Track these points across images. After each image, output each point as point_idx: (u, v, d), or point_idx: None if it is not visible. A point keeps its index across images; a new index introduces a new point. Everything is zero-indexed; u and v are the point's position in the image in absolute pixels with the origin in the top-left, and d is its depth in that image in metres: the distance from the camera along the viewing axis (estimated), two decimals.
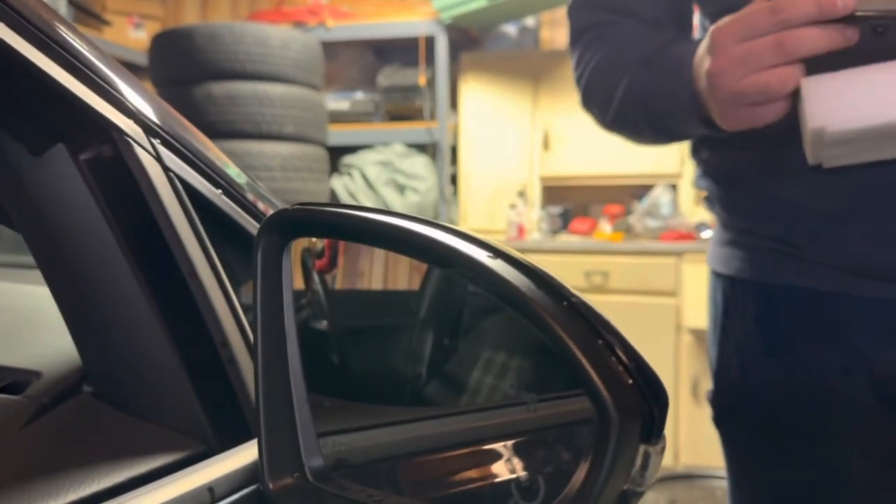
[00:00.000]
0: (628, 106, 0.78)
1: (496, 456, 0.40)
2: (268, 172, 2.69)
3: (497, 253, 0.32)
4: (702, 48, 0.67)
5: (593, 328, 0.29)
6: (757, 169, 0.74)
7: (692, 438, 2.81)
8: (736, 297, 0.79)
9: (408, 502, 0.38)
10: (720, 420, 0.82)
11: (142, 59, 3.02)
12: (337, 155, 3.21)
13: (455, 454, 0.39)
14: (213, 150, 0.60)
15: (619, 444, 0.26)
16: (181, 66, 2.70)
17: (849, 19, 0.58)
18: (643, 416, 0.27)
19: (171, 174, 0.51)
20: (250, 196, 0.61)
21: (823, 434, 0.75)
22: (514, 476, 0.39)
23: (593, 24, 0.82)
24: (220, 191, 0.57)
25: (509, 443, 0.37)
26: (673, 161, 3.03)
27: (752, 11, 0.61)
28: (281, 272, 0.41)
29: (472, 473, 0.40)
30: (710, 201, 0.84)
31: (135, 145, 0.49)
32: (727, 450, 0.83)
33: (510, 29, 3.38)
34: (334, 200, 3.11)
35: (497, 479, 0.37)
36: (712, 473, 2.57)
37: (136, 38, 3.34)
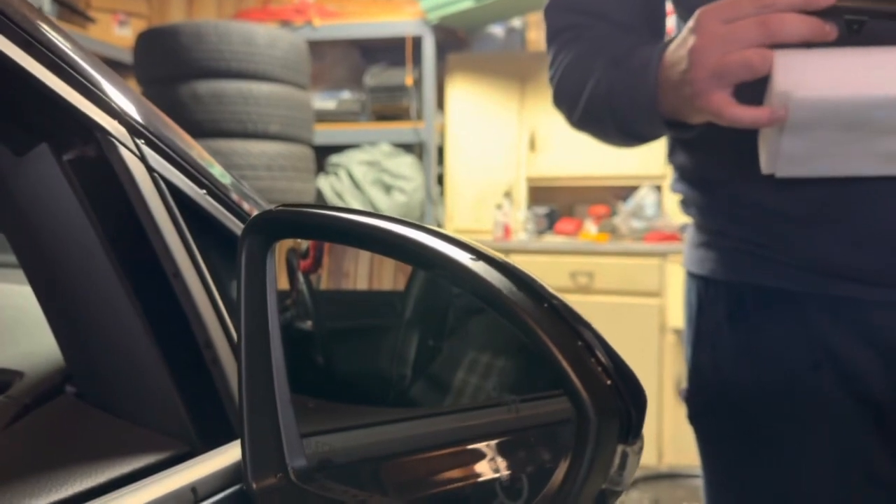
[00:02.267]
0: (595, 105, 0.79)
1: (480, 456, 0.40)
2: (253, 171, 2.69)
3: (479, 255, 0.33)
4: (683, 33, 0.68)
5: (573, 330, 0.29)
6: (729, 173, 0.75)
7: (676, 438, 2.83)
8: (709, 298, 0.80)
9: (391, 502, 0.39)
10: (695, 417, 0.84)
11: (127, 58, 3.00)
12: (323, 154, 3.20)
13: (439, 454, 0.40)
14: (197, 150, 0.60)
15: (598, 445, 0.26)
16: (166, 64, 2.68)
17: (829, 14, 0.60)
18: (621, 416, 0.27)
19: (156, 174, 0.51)
20: (235, 196, 0.61)
21: (793, 431, 0.76)
22: (497, 475, 0.39)
23: (569, 25, 0.84)
24: (204, 191, 0.56)
25: (493, 443, 0.37)
26: (658, 162, 3.05)
27: None
28: (265, 273, 0.41)
29: (456, 473, 0.40)
30: (685, 204, 0.85)
31: (119, 145, 0.49)
32: (701, 446, 0.85)
33: (497, 30, 3.38)
34: (320, 200, 3.11)
35: (481, 479, 0.37)
36: (696, 473, 2.59)
37: (122, 35, 3.32)
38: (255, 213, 0.53)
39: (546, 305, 0.30)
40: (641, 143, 0.82)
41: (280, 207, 0.40)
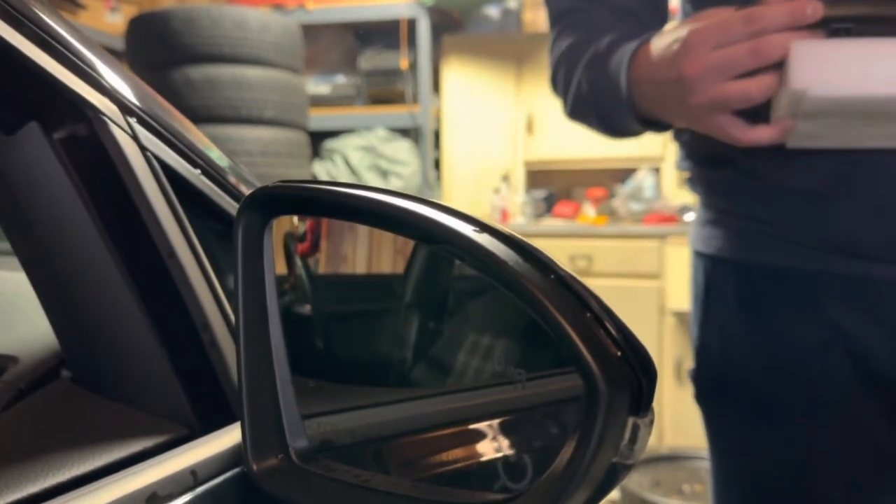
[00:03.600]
0: (579, 102, 0.80)
1: (483, 435, 0.39)
2: (248, 157, 2.67)
3: (483, 227, 0.32)
4: (669, 40, 0.67)
5: (581, 301, 0.28)
6: (735, 148, 0.75)
7: (676, 420, 2.84)
8: (717, 277, 0.79)
9: (394, 481, 0.38)
10: (701, 397, 0.83)
11: (118, 44, 2.96)
12: (319, 140, 3.18)
13: (442, 434, 0.39)
14: (193, 133, 0.58)
15: (608, 417, 0.26)
16: (158, 50, 2.66)
17: (817, 23, 0.60)
18: (632, 388, 0.27)
19: (148, 153, 0.50)
20: (232, 178, 0.60)
21: (801, 410, 0.76)
22: (500, 455, 0.39)
23: (568, 9, 0.83)
24: (198, 171, 0.55)
25: (496, 422, 0.36)
26: (656, 144, 3.04)
27: (726, 19, 0.62)
28: (262, 251, 0.40)
29: (459, 453, 0.40)
30: (692, 182, 0.84)
31: (110, 123, 0.48)
32: (708, 426, 0.84)
33: (493, 11, 3.36)
34: None
35: (484, 459, 0.36)
36: (696, 454, 2.60)
37: (113, 22, 3.29)
38: None
39: (553, 276, 0.29)
40: (628, 137, 0.82)
41: (277, 183, 0.39)
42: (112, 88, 0.49)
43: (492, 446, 0.37)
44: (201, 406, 0.49)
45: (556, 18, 0.85)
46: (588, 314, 0.28)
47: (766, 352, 0.76)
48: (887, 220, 0.69)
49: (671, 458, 2.62)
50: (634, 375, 0.27)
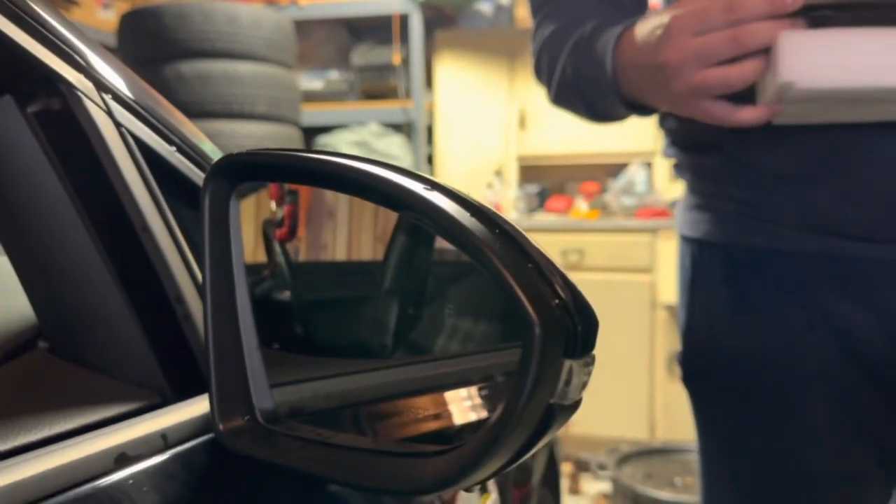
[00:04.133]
0: (564, 87, 0.81)
1: (441, 402, 0.41)
2: None
3: (433, 185, 0.33)
4: (652, 25, 0.68)
5: (523, 253, 0.30)
6: (721, 133, 0.76)
7: (668, 413, 2.85)
8: (703, 260, 0.80)
9: (354, 438, 0.39)
10: (689, 379, 0.84)
11: (111, 41, 2.97)
12: (311, 135, 3.19)
13: (409, 403, 0.40)
14: (175, 115, 0.60)
15: (543, 358, 0.27)
16: (150, 45, 2.66)
17: (797, 11, 0.61)
18: (566, 332, 0.28)
19: (123, 129, 0.51)
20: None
21: (788, 390, 0.77)
22: (454, 420, 0.40)
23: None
24: (174, 148, 0.56)
25: (462, 391, 0.38)
26: (648, 139, 3.05)
27: (706, 7, 0.63)
28: (228, 217, 0.41)
29: (426, 418, 0.41)
30: (678, 168, 0.85)
31: (85, 99, 0.49)
32: (696, 409, 0.85)
33: (485, 6, 3.37)
34: None
35: (438, 423, 0.38)
36: (688, 447, 2.62)
37: (105, 18, 3.29)
38: None
39: (497, 231, 0.30)
40: (613, 121, 0.83)
41: (241, 151, 0.41)
42: (87, 65, 0.50)
43: (451, 412, 0.38)
44: (175, 375, 0.49)
45: (538, 7, 0.86)
46: (529, 265, 0.29)
47: (752, 333, 0.77)
48: (871, 198, 0.70)
49: (663, 451, 2.63)
50: (570, 320, 0.28)
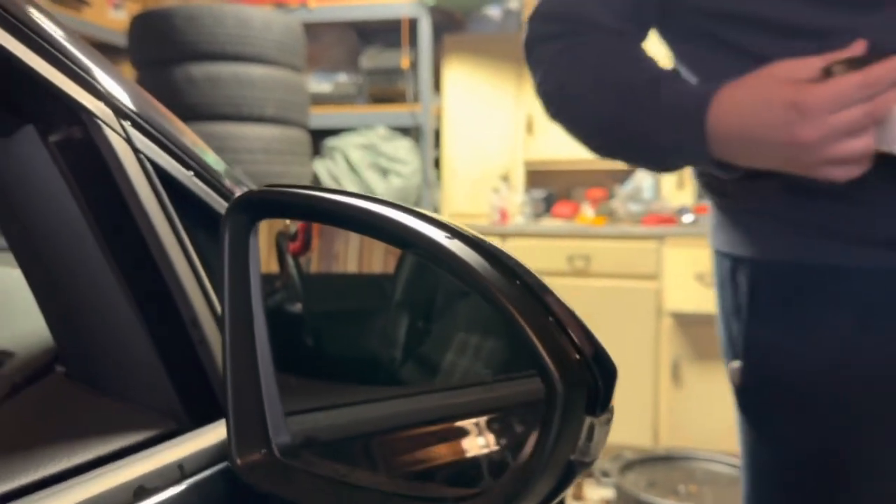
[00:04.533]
0: (616, 143, 0.81)
1: (458, 434, 0.41)
2: (250, 155, 2.68)
3: (454, 233, 0.33)
4: (769, 113, 0.69)
5: (545, 306, 0.30)
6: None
7: (672, 420, 2.85)
8: (765, 278, 0.81)
9: (371, 476, 0.39)
10: (749, 394, 0.84)
11: (121, 40, 2.98)
12: (319, 138, 3.20)
13: (419, 432, 0.40)
14: (188, 135, 0.60)
15: (565, 416, 0.27)
16: (161, 47, 2.67)
17: None
18: (589, 389, 0.28)
19: (142, 156, 0.52)
20: (227, 181, 0.61)
21: (855, 407, 0.77)
22: (472, 454, 0.40)
23: (556, 34, 0.82)
24: (191, 173, 0.57)
25: (471, 422, 0.38)
26: None
27: (842, 84, 0.66)
28: (248, 252, 0.41)
29: (434, 451, 0.41)
30: (727, 184, 0.84)
31: (104, 127, 0.50)
32: (748, 425, 0.85)
33: (494, 11, 3.37)
34: (317, 184, 3.10)
35: (457, 457, 0.38)
36: (692, 455, 2.62)
37: (116, 18, 3.30)
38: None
39: (518, 283, 0.31)
40: (659, 170, 0.83)
41: (262, 188, 0.41)
42: (107, 92, 0.51)
43: (465, 445, 0.39)
44: (190, 401, 0.50)
45: (539, 41, 0.84)
46: (550, 319, 0.29)
47: (812, 347, 0.78)
48: None
49: (667, 459, 2.63)
50: (592, 377, 0.28)
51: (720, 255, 0.86)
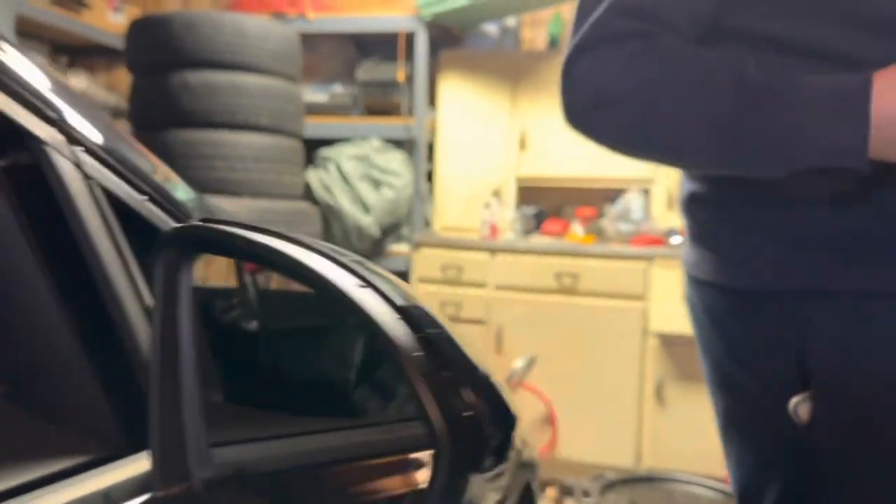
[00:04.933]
0: (731, 145, 0.74)
1: (378, 470, 0.41)
2: (242, 163, 2.69)
3: (368, 283, 0.34)
4: None
5: (442, 359, 0.30)
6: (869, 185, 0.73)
7: (654, 441, 2.85)
8: (814, 310, 0.76)
9: None
10: (820, 427, 0.77)
11: (120, 44, 2.99)
12: (314, 147, 3.21)
13: (336, 470, 0.41)
14: (160, 169, 0.61)
15: (450, 475, 0.27)
16: (158, 53, 2.68)
17: None
18: (476, 447, 0.28)
19: (92, 182, 0.52)
20: (195, 211, 0.61)
21: None
22: (397, 492, 0.41)
23: (634, 33, 0.75)
24: (145, 197, 0.57)
25: (377, 462, 0.38)
26: (646, 166, 3.06)
27: None
28: (179, 285, 0.42)
29: (356, 487, 0.42)
30: (749, 219, 0.80)
31: (54, 153, 0.50)
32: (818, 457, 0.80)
33: (491, 28, 3.39)
34: (310, 193, 3.11)
35: (362, 495, 0.38)
36: (673, 476, 2.61)
37: (116, 22, 3.32)
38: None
39: (422, 336, 0.31)
40: (762, 173, 0.76)
41: (194, 224, 0.41)
42: (60, 119, 0.52)
43: (374, 483, 0.39)
44: (127, 428, 0.50)
45: (615, 39, 0.76)
46: (446, 376, 0.29)
47: (880, 380, 0.74)
48: None
49: (648, 480, 2.63)
50: (482, 432, 0.29)
51: (743, 292, 0.81)
